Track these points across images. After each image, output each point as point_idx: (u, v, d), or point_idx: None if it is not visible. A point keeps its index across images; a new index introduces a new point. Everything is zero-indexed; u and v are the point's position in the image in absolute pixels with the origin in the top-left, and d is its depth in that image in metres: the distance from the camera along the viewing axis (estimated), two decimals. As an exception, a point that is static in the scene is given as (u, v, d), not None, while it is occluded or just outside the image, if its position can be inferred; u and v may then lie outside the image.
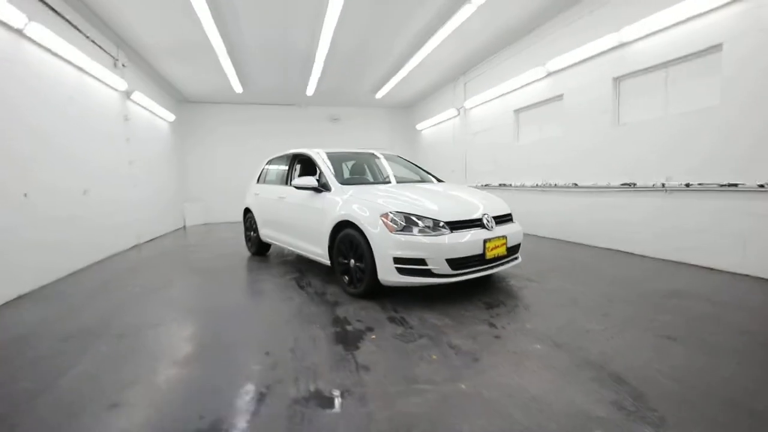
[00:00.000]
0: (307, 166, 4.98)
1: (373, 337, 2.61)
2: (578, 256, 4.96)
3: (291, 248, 4.68)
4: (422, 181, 4.58)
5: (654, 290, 3.44)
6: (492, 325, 2.77)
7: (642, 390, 1.86)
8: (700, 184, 4.08)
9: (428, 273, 3.08)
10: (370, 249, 3.23)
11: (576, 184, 5.76)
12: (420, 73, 8.62)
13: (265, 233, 5.31)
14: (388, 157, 5.01)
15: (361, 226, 3.31)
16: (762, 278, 3.62)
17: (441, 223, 3.15)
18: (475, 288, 3.62)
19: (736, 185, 3.76)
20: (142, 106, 7.65)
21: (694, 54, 4.16)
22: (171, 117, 9.42)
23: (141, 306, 3.42)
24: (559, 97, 6.10)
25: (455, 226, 3.19)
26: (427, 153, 11.42)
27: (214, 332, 2.76)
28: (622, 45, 4.90)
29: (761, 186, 3.56)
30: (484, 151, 8.40)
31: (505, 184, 7.49)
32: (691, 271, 4.03)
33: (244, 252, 6.04)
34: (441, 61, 7.91)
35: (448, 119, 9.98)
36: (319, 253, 3.99)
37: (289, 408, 1.79)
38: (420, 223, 3.15)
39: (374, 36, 6.63)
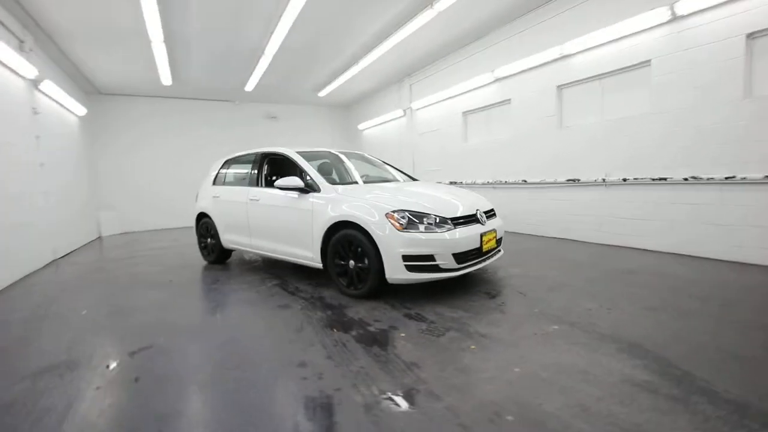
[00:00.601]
0: (280, 166, 4.75)
1: (402, 335, 2.62)
2: (536, 246, 5.47)
3: (267, 254, 4.40)
4: (392, 180, 4.59)
5: (614, 270, 3.98)
6: (503, 312, 2.96)
7: (661, 354, 2.17)
8: (635, 178, 4.81)
9: (436, 268, 3.17)
10: (376, 248, 3.22)
11: (525, 181, 6.35)
12: (367, 73, 8.67)
13: (229, 239, 4.90)
14: (356, 156, 4.98)
15: (365, 226, 3.26)
16: (688, 255, 4.40)
17: (447, 220, 3.27)
18: (465, 281, 3.81)
19: (665, 179, 4.52)
20: (52, 98, 6.50)
21: (627, 68, 4.88)
22: (82, 111, 8.13)
23: (115, 334, 2.94)
24: (507, 101, 6.65)
25: (457, 222, 3.33)
26: (372, 152, 11.48)
27: (230, 353, 2.49)
28: (564, 57, 5.53)
29: (686, 179, 4.33)
30: (432, 150, 8.76)
31: (455, 182, 7.92)
32: (631, 252, 4.73)
33: (197, 261, 5.50)
34: (391, 62, 8.06)
35: (393, 119, 10.19)
36: (308, 256, 3.84)
37: (367, 413, 1.74)
38: (425, 220, 3.22)
39: (329, 34, 6.53)
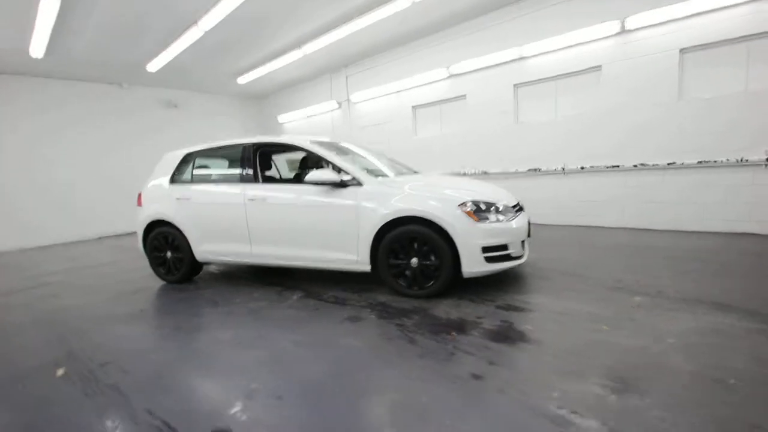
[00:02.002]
0: (268, 159, 4.04)
1: (529, 327, 2.52)
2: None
3: (276, 263, 3.71)
4: (407, 172, 4.41)
5: (607, 246, 4.57)
6: (577, 290, 3.12)
7: (746, 307, 2.60)
8: (591, 166, 5.62)
9: (508, 257, 3.15)
10: (449, 242, 3.02)
11: (486, 172, 6.79)
12: (298, 61, 8.02)
13: (209, 250, 3.96)
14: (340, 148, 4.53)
15: (436, 220, 3.02)
16: (636, 228, 5.35)
17: (510, 208, 3.27)
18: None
19: (617, 166, 5.39)
20: None
21: (580, 71, 5.63)
22: None
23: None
24: (462, 96, 6.98)
25: (516, 210, 3.37)
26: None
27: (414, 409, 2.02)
28: (522, 58, 6.08)
29: (635, 166, 5.25)
30: (376, 144, 8.63)
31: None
32: (598, 230, 5.50)
33: (148, 283, 4.31)
34: (328, 52, 7.60)
35: (326, 112, 9.68)
36: (348, 260, 3.37)
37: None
38: (492, 209, 3.16)
39: (278, 10, 5.81)
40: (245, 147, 3.93)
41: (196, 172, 4.20)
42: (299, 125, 10.57)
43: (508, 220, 3.19)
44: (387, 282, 3.30)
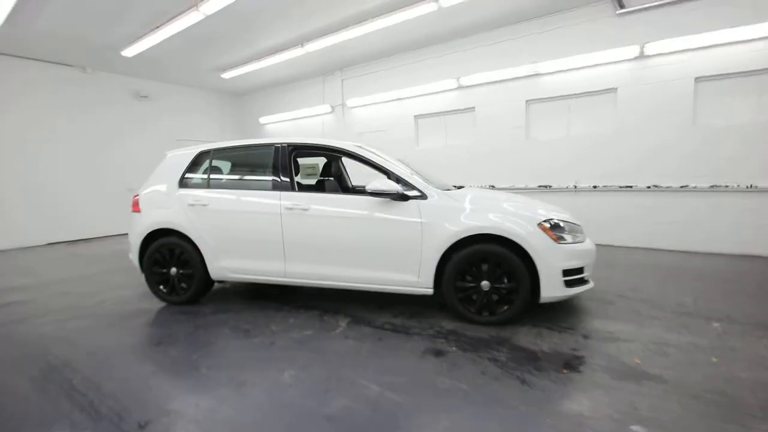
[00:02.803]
0: (301, 164, 3.58)
1: (637, 361, 2.32)
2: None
3: (316, 283, 3.25)
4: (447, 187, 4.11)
5: (630, 265, 4.59)
6: (653, 317, 2.99)
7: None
8: (604, 186, 5.71)
9: (582, 281, 2.97)
10: (531, 264, 2.78)
11: (493, 186, 6.70)
12: (290, 61, 7.54)
13: (230, 267, 3.40)
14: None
15: (517, 238, 2.77)
16: (646, 248, 5.47)
17: (581, 228, 3.11)
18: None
19: (630, 187, 5.51)
20: None
21: (596, 92, 5.73)
22: None
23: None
24: (471, 109, 6.87)
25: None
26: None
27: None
28: (537, 75, 6.09)
29: (648, 187, 5.39)
30: (371, 153, 8.29)
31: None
32: (612, 249, 5.55)
33: (140, 303, 3.65)
34: (323, 53, 7.18)
35: (316, 115, 9.19)
36: (407, 281, 3.01)
37: None
38: (567, 229, 2.97)
39: (276, 8, 5.37)
40: (279, 148, 3.44)
41: (214, 175, 3.63)
42: (284, 128, 9.95)
43: (583, 242, 3.02)
44: (452, 306, 2.98)
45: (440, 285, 2.97)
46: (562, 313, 3.12)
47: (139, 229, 3.62)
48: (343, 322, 3.07)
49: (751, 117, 4.77)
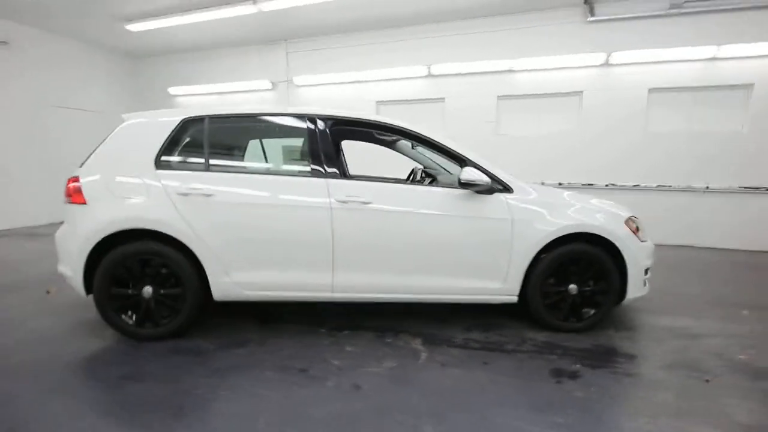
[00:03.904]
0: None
1: (741, 356, 2.32)
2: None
3: (375, 297, 2.56)
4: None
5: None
6: (707, 312, 3.12)
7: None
8: (569, 183, 6.07)
9: (645, 282, 2.93)
10: (622, 264, 2.61)
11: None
12: (221, 21, 6.24)
13: (246, 282, 2.44)
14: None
15: (612, 237, 2.57)
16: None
17: None
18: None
19: (591, 184, 5.97)
20: None
21: (564, 93, 6.02)
22: None
23: None
24: (441, 99, 6.62)
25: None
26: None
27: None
28: (510, 71, 6.14)
29: (606, 185, 5.90)
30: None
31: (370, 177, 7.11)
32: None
33: (82, 341, 2.44)
34: (265, 17, 6.11)
35: (251, 91, 7.83)
36: (489, 288, 2.58)
37: None
38: (642, 227, 2.89)
39: None
40: (315, 121, 2.60)
41: (215, 153, 2.58)
42: (204, 102, 8.26)
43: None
44: (536, 314, 2.64)
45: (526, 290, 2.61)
46: (615, 313, 3.06)
47: (85, 230, 2.36)
48: (417, 345, 2.47)
49: (685, 126, 5.59)
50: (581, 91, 5.93)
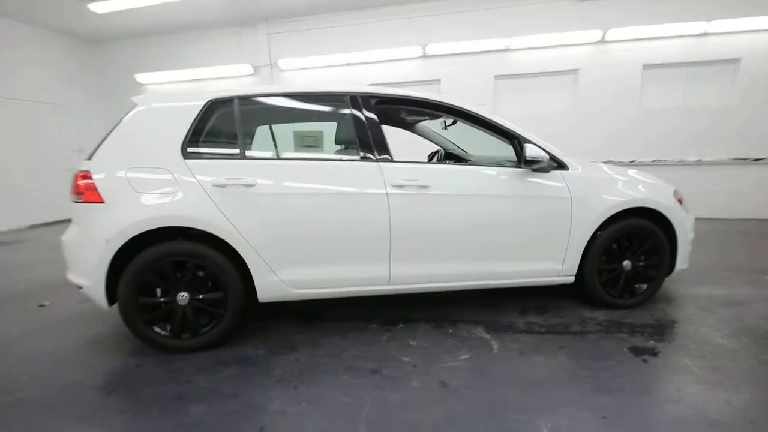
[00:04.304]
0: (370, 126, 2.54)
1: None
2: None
3: (431, 287, 2.41)
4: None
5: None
6: (738, 279, 3.21)
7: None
8: (567, 161, 6.12)
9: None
10: (673, 237, 2.60)
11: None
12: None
13: (297, 280, 2.21)
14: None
15: (666, 211, 2.55)
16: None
17: None
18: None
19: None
20: None
21: (560, 72, 6.02)
22: None
23: None
24: (436, 81, 6.44)
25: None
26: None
27: None
28: (507, 50, 6.05)
29: (604, 162, 5.99)
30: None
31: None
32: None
33: (97, 360, 2.14)
34: None
35: (230, 77, 7.30)
36: (551, 269, 2.50)
37: None
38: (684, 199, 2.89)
39: None
40: (359, 99, 2.36)
41: (247, 138, 2.30)
42: (178, 90, 7.62)
43: (685, 211, 3.01)
44: (593, 292, 2.59)
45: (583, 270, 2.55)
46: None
47: (106, 232, 2.02)
48: (482, 333, 2.34)
49: (679, 101, 5.76)
50: (577, 69, 5.95)
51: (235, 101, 2.29)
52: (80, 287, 2.14)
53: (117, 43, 7.62)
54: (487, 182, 2.40)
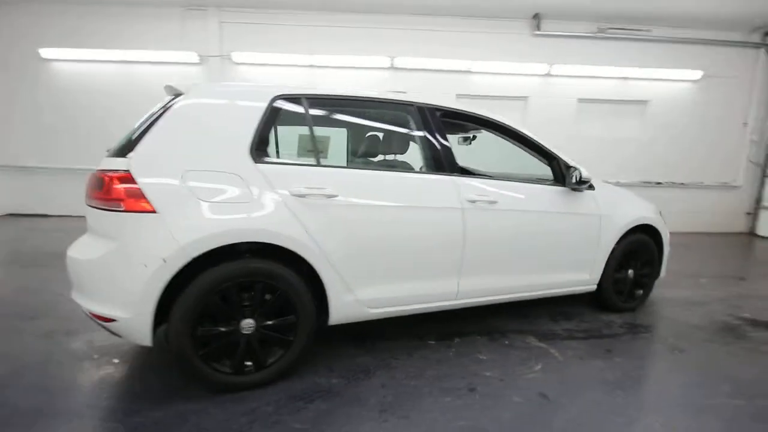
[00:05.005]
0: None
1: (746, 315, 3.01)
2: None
3: (489, 300, 2.45)
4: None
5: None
6: (691, 284, 3.88)
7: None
8: (517, 178, 6.76)
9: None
10: (661, 250, 3.08)
11: (423, 175, 6.70)
12: None
13: (371, 299, 2.06)
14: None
15: (659, 227, 3.01)
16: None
17: None
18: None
19: (535, 179, 6.78)
20: None
21: (512, 97, 6.63)
22: None
23: None
24: (402, 93, 6.52)
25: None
26: (82, 108, 6.40)
27: None
28: (469, 72, 6.46)
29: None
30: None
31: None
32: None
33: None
34: None
35: (168, 63, 6.37)
36: (581, 279, 2.77)
37: None
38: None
39: None
40: (426, 110, 2.33)
41: (320, 142, 2.06)
42: (95, 71, 6.38)
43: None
44: (608, 298, 2.92)
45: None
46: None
47: (163, 249, 1.61)
48: (535, 342, 2.46)
49: (604, 133, 6.82)
50: (527, 96, 6.65)
51: (303, 101, 2.05)
52: (107, 320, 1.67)
53: (16, 7, 6.09)
54: (542, 199, 2.56)
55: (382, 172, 2.23)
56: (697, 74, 6.41)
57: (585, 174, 2.57)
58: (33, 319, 2.57)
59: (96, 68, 6.38)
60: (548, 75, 6.53)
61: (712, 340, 2.55)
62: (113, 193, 1.65)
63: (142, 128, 1.81)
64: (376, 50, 6.32)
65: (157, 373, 2.00)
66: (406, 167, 2.50)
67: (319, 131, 2.10)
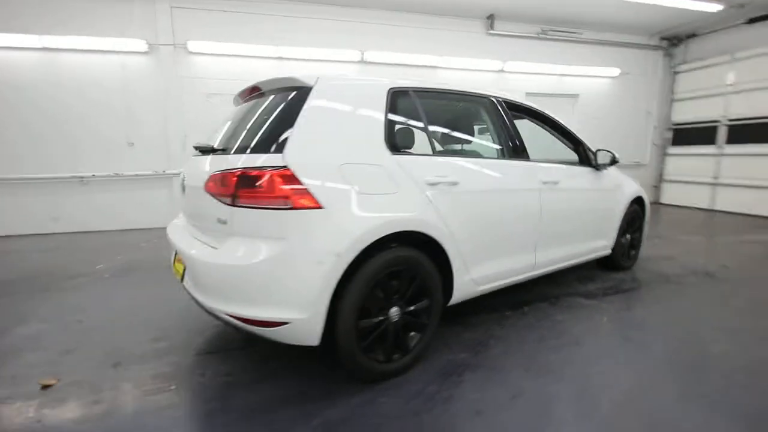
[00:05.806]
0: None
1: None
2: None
3: (550, 269, 2.79)
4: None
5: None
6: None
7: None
8: (479, 165, 7.36)
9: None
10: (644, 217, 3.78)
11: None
12: None
13: (482, 276, 2.25)
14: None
15: (644, 198, 3.66)
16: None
17: None
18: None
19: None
20: None
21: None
22: None
23: None
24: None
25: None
26: (19, 101, 5.26)
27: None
28: (435, 67, 6.79)
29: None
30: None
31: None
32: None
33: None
34: None
35: (108, 51, 5.54)
36: (603, 245, 3.29)
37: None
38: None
39: None
40: (498, 104, 2.60)
41: (432, 133, 2.16)
42: (12, 60, 5.27)
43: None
44: (617, 260, 3.50)
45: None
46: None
47: (336, 244, 1.60)
48: (584, 301, 2.89)
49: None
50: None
51: (411, 93, 2.13)
52: (275, 324, 1.59)
53: None
54: (582, 179, 2.97)
55: (485, 160, 2.40)
56: (615, 71, 7.67)
57: (617, 156, 3.05)
58: None
59: (14, 56, 5.27)
60: (502, 71, 7.21)
61: (699, 279, 3.28)
62: (279, 192, 1.57)
63: (272, 120, 1.73)
64: (347, 43, 6.31)
65: (288, 379, 1.93)
66: (488, 154, 2.66)
67: (429, 122, 2.18)
